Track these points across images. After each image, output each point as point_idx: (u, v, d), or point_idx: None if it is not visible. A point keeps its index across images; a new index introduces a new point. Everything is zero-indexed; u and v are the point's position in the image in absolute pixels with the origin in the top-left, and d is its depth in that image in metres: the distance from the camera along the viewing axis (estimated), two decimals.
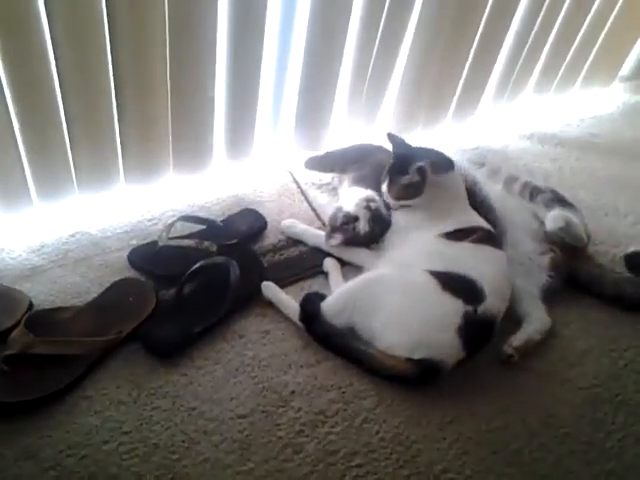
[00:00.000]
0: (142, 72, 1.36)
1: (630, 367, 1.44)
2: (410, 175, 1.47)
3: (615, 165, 2.07)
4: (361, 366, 1.32)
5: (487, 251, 1.43)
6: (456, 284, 1.33)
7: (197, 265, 1.36)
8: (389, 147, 1.63)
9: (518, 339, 1.40)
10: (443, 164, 1.52)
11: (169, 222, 1.49)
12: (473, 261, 1.39)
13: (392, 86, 1.81)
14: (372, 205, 1.49)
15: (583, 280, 1.57)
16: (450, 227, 1.46)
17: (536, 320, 1.46)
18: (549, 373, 1.40)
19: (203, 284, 1.40)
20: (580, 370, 1.42)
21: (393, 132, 1.60)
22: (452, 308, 1.29)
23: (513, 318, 1.46)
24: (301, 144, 1.75)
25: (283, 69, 1.62)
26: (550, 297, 1.52)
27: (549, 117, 2.26)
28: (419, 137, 1.97)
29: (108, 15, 1.25)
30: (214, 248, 1.44)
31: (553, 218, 1.51)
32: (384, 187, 1.53)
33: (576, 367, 1.42)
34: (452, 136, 2.05)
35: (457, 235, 1.44)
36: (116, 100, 1.39)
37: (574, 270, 1.57)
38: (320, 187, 1.78)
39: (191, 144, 1.56)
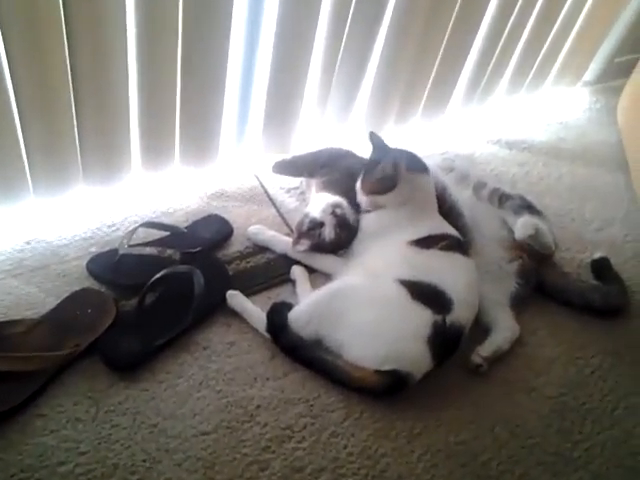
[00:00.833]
0: (101, 67, 1.29)
1: (597, 374, 1.45)
2: (383, 165, 1.45)
3: (581, 170, 2.09)
4: (329, 378, 1.30)
5: (456, 259, 1.42)
6: (425, 293, 1.32)
7: (159, 274, 1.31)
8: (360, 151, 1.61)
9: (486, 349, 1.39)
10: (418, 164, 1.51)
11: (130, 229, 1.44)
12: (442, 269, 1.37)
13: (364, 84, 1.78)
14: (338, 211, 1.46)
15: (550, 289, 1.57)
16: (419, 234, 1.44)
17: (504, 328, 1.45)
18: (517, 382, 1.40)
19: (166, 294, 1.35)
20: (547, 378, 1.42)
21: (372, 131, 1.58)
22: (421, 318, 1.28)
23: (481, 326, 1.46)
24: (269, 147, 1.71)
25: (250, 70, 1.58)
26: (518, 304, 1.51)
27: (517, 121, 2.26)
28: (390, 135, 1.94)
29: (65, 13, 1.18)
30: (177, 256, 1.40)
31: (522, 225, 1.51)
32: (358, 183, 1.51)
33: (543, 375, 1.43)
34: (421, 140, 2.04)
35: (426, 242, 1.43)
36: (74, 97, 1.32)
37: (542, 278, 1.57)
38: (288, 192, 1.75)
39: (154, 143, 1.51)
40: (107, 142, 1.43)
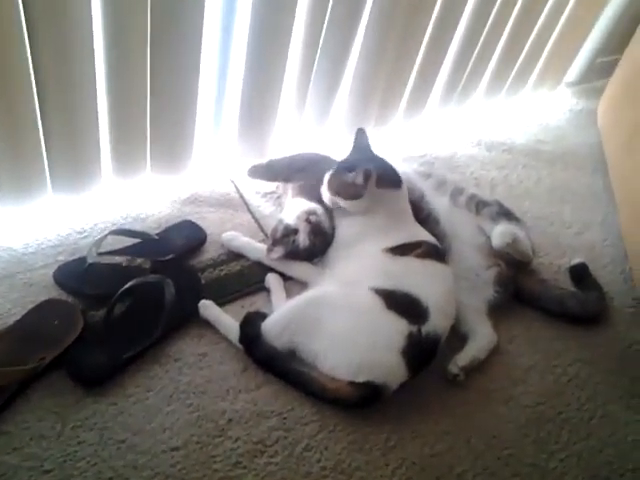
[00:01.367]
0: (67, 72, 1.25)
1: (574, 383, 1.45)
2: (356, 174, 1.42)
3: (560, 173, 2.08)
4: (303, 390, 1.28)
5: (432, 266, 1.40)
6: (400, 302, 1.30)
7: (128, 284, 1.28)
8: (338, 156, 1.59)
9: (464, 358, 1.38)
10: (392, 180, 1.48)
11: (99, 236, 1.40)
12: (418, 277, 1.36)
13: (343, 85, 1.76)
14: (312, 218, 1.44)
15: (528, 296, 1.56)
16: (395, 241, 1.43)
17: (482, 337, 1.44)
18: (494, 391, 1.40)
19: (135, 305, 1.32)
20: (524, 387, 1.42)
21: (362, 128, 1.58)
22: (396, 329, 1.27)
23: (458, 334, 1.45)
24: (244, 152, 1.68)
25: (223, 71, 1.54)
26: (496, 312, 1.51)
27: (497, 123, 2.25)
28: (370, 137, 1.91)
29: (27, 21, 1.14)
30: (148, 265, 1.36)
31: (500, 234, 1.50)
32: (326, 177, 1.48)
33: (520, 384, 1.42)
34: (401, 142, 2.02)
35: (402, 249, 1.41)
36: (39, 103, 1.28)
37: (519, 285, 1.56)
38: (265, 196, 1.72)
39: (125, 149, 1.47)
40: (75, 149, 1.38)
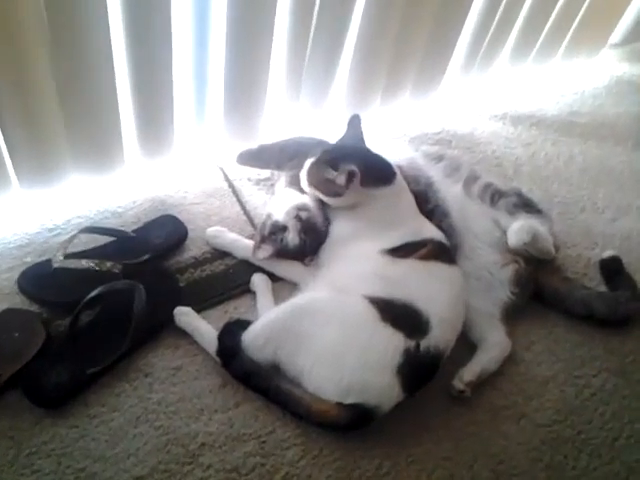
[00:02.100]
0: (17, 60, 1.13)
1: (598, 397, 1.30)
2: (337, 174, 1.27)
3: (595, 150, 1.88)
4: (286, 410, 1.15)
5: (437, 269, 1.26)
6: (398, 314, 1.17)
7: (94, 292, 1.17)
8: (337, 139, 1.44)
9: (471, 372, 1.24)
10: (379, 177, 1.32)
11: (68, 237, 1.29)
12: (419, 284, 1.22)
13: (343, 58, 1.58)
14: (303, 215, 1.29)
15: (549, 296, 1.40)
16: (395, 241, 1.28)
17: (493, 346, 1.30)
18: (504, 407, 1.26)
19: (102, 314, 1.22)
20: (540, 403, 1.27)
21: (357, 114, 1.44)
22: (391, 344, 1.13)
23: (468, 341, 1.31)
24: (232, 135, 1.53)
25: (203, 47, 1.39)
26: (511, 315, 1.35)
27: (526, 93, 2.03)
28: (376, 116, 1.75)
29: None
30: (118, 269, 1.24)
31: (517, 232, 1.32)
32: (306, 164, 1.34)
33: (535, 399, 1.28)
34: (413, 118, 1.84)
35: (403, 250, 1.26)
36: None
37: (540, 284, 1.39)
38: (258, 183, 1.58)
39: (94, 141, 1.34)
40: (40, 138, 1.27)
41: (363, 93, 1.68)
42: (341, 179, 1.25)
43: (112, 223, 1.42)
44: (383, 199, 1.31)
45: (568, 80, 2.11)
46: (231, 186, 1.55)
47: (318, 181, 1.31)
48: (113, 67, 1.24)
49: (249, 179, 1.59)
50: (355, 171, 1.25)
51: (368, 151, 1.36)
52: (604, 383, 1.32)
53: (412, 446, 1.17)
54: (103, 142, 1.36)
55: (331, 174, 1.27)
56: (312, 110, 1.63)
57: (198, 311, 1.29)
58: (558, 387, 1.31)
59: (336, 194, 1.29)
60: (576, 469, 1.19)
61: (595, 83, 2.14)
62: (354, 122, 1.41)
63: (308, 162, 1.33)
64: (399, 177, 1.33)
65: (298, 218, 1.30)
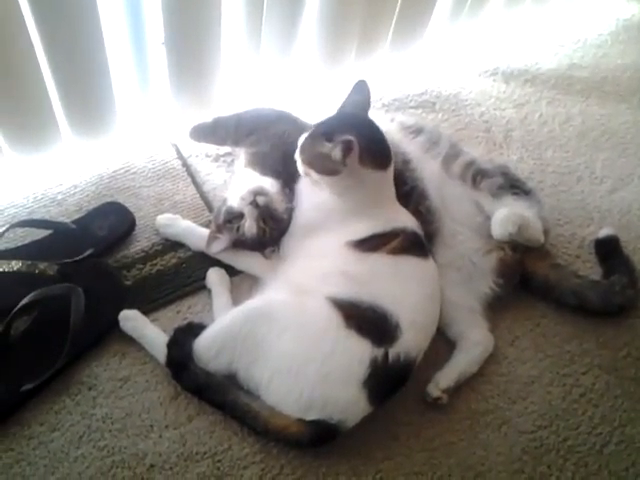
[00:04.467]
0: None
1: (586, 398, 1.25)
2: (334, 144, 1.14)
3: (596, 108, 1.76)
4: (243, 424, 1.09)
5: (408, 266, 1.18)
6: (364, 318, 1.10)
7: (25, 300, 1.09)
8: (306, 108, 1.35)
9: (448, 377, 1.19)
10: (380, 158, 1.19)
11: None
12: (388, 283, 1.15)
13: (308, 4, 1.43)
14: (260, 200, 1.20)
15: (537, 285, 1.32)
16: (364, 232, 1.19)
17: (474, 345, 1.24)
18: (484, 413, 1.21)
19: (39, 321, 1.15)
20: (523, 406, 1.22)
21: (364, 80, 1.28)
22: (357, 354, 1.07)
23: (446, 338, 1.26)
24: (184, 103, 1.41)
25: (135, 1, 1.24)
26: (494, 307, 1.28)
27: (520, 44, 1.89)
28: (352, 74, 1.62)
29: None
30: (54, 270, 1.16)
31: (502, 222, 1.23)
32: (300, 141, 1.21)
33: (519, 402, 1.23)
34: (394, 77, 1.71)
35: (372, 243, 1.17)
36: None
37: (527, 272, 1.31)
38: (217, 160, 1.47)
39: (21, 119, 1.23)
40: None
41: (335, 44, 1.54)
42: (336, 151, 1.13)
43: (52, 212, 1.33)
44: (374, 184, 1.20)
45: (569, 27, 1.96)
46: (185, 165, 1.44)
47: (311, 157, 1.18)
48: (28, 33, 1.12)
49: (207, 155, 1.48)
50: (352, 141, 1.12)
51: (372, 124, 1.23)
52: (594, 381, 1.27)
53: (381, 460, 1.13)
54: (31, 118, 1.25)
55: (326, 147, 1.14)
56: (276, 67, 1.49)
57: (148, 312, 1.22)
58: (544, 388, 1.25)
59: (333, 171, 1.16)
60: None
61: (599, 29, 1.99)
62: (360, 87, 1.26)
63: (302, 137, 1.21)
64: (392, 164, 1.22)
65: (255, 204, 1.21)
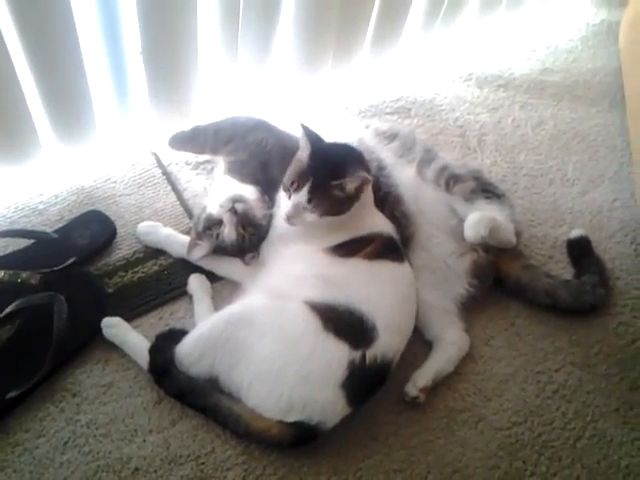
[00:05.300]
0: None
1: (560, 394, 1.29)
2: (351, 179, 1.17)
3: (567, 112, 1.81)
4: (226, 428, 1.12)
5: (384, 270, 1.22)
6: (341, 321, 1.14)
7: (8, 309, 1.11)
8: (282, 117, 1.37)
9: (425, 376, 1.22)
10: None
11: None
12: (365, 288, 1.18)
13: (284, 12, 1.46)
14: (239, 207, 1.23)
15: (511, 286, 1.36)
16: (340, 237, 1.22)
17: (449, 345, 1.28)
18: (461, 411, 1.24)
19: (22, 330, 1.17)
20: (499, 404, 1.26)
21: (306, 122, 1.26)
22: (335, 357, 1.11)
23: (422, 339, 1.29)
24: (162, 112, 1.43)
25: (112, 12, 1.26)
26: (469, 307, 1.32)
27: (493, 50, 1.94)
28: (329, 82, 1.67)
29: None
30: (36, 279, 1.18)
31: (474, 225, 1.27)
32: (302, 196, 1.18)
33: (495, 400, 1.26)
34: (369, 85, 1.74)
35: (348, 248, 1.20)
36: None
37: (501, 273, 1.35)
38: (196, 167, 1.50)
39: (1, 131, 1.24)
40: None
41: (312, 52, 1.57)
42: (351, 190, 1.16)
43: (34, 222, 1.35)
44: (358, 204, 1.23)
45: (540, 33, 2.02)
46: (165, 173, 1.47)
47: (330, 204, 1.18)
48: (5, 45, 1.14)
49: (187, 162, 1.51)
50: (367, 177, 1.17)
51: (353, 149, 1.27)
52: (567, 378, 1.31)
53: (361, 459, 1.16)
54: (11, 129, 1.27)
55: (338, 190, 1.17)
56: (254, 71, 1.51)
57: (130, 319, 1.25)
58: (518, 385, 1.29)
59: (347, 208, 1.19)
60: (535, 475, 1.19)
61: (570, 35, 2.05)
62: (306, 128, 1.23)
63: (300, 194, 1.17)
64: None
65: (233, 211, 1.24)
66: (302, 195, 1.17)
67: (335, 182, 1.16)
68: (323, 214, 1.18)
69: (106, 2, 1.23)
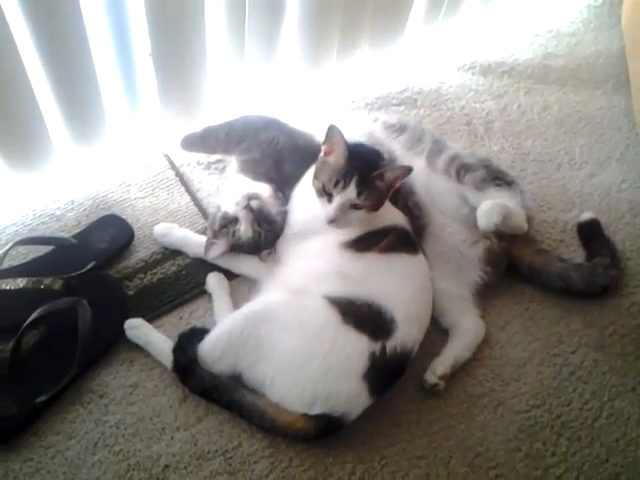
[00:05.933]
0: None
1: (576, 376, 1.31)
2: (389, 169, 1.20)
3: (572, 96, 1.81)
4: (251, 422, 1.14)
5: (400, 263, 1.24)
6: (361, 315, 1.16)
7: (33, 316, 1.13)
8: (291, 114, 1.40)
9: (443, 363, 1.24)
10: None
11: (1, 252, 1.23)
12: (382, 280, 1.20)
13: (289, 10, 1.46)
14: (254, 204, 1.25)
15: (524, 271, 1.38)
16: (356, 232, 1.23)
17: (466, 332, 1.29)
18: (480, 396, 1.27)
19: (47, 335, 1.19)
20: (517, 387, 1.28)
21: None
22: (355, 349, 1.13)
23: (438, 328, 1.31)
24: (173, 114, 1.44)
25: (120, 12, 1.27)
26: (484, 294, 1.34)
27: (496, 37, 1.94)
28: (334, 76, 1.68)
29: None
30: (59, 284, 1.20)
31: (486, 213, 1.28)
32: (350, 192, 1.17)
33: (512, 384, 1.29)
34: (375, 77, 1.76)
35: (364, 242, 1.22)
36: None
37: (513, 259, 1.37)
38: (208, 167, 1.51)
39: (17, 139, 1.27)
40: None
41: (317, 47, 1.57)
42: (390, 177, 1.18)
43: (51, 228, 1.37)
44: None
45: (542, 17, 2.02)
46: (178, 174, 1.48)
47: (377, 199, 1.21)
48: (18, 51, 1.15)
49: (199, 163, 1.52)
50: (408, 167, 1.20)
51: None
52: (583, 359, 1.33)
53: (385, 447, 1.18)
54: (26, 137, 1.29)
55: (379, 179, 1.19)
56: (261, 69, 1.53)
57: (151, 319, 1.27)
58: (535, 368, 1.31)
59: (378, 205, 1.21)
60: (556, 455, 1.21)
61: (571, 17, 2.05)
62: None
63: (349, 191, 1.16)
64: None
65: (249, 208, 1.25)
66: (350, 191, 1.16)
67: (376, 172, 1.17)
68: (370, 207, 1.19)
69: (115, 6, 1.24)
